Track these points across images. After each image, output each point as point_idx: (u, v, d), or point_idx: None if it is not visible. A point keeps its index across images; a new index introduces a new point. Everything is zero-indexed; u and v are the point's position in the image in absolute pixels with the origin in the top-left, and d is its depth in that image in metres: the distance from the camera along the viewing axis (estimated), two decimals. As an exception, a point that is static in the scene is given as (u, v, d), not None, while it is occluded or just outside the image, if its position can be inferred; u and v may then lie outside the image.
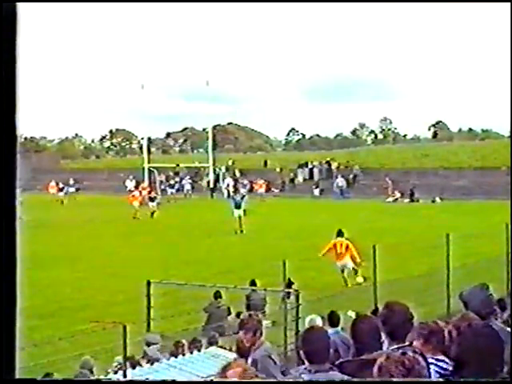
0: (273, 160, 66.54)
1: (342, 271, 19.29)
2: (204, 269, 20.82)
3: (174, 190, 57.75)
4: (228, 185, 58.80)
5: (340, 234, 19.83)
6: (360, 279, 18.83)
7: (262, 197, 52.00)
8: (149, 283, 12.00)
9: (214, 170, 63.32)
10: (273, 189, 57.26)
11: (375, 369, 3.55)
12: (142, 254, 24.70)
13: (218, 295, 14.02)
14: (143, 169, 63.36)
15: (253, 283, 14.99)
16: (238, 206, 32.09)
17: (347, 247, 19.37)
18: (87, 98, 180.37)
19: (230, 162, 66.90)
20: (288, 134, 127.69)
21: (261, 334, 6.60)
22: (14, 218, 2.35)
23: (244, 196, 34.96)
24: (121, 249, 26.62)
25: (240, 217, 31.68)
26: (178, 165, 65.47)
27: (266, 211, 42.19)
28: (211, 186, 60.57)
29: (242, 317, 7.38)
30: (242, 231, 30.98)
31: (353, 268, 19.30)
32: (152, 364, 8.67)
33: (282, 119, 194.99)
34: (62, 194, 52.26)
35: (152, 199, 41.96)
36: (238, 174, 62.82)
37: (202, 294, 14.14)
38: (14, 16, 2.28)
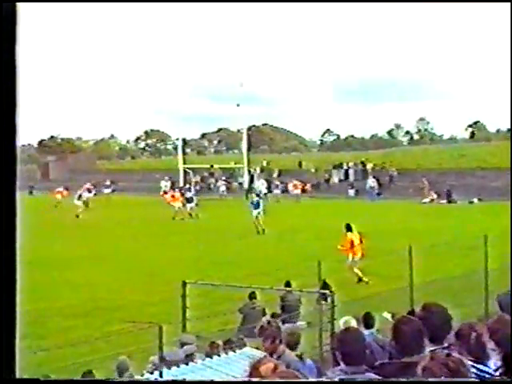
0: (308, 161, 66.40)
1: (352, 264, 19.50)
2: (239, 270, 20.85)
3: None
4: (260, 185, 58.87)
5: (349, 228, 20.05)
6: (359, 272, 19.43)
7: (297, 197, 51.94)
8: (184, 284, 12.02)
9: (249, 171, 63.41)
10: (307, 186, 57.08)
11: (419, 370, 3.54)
12: (178, 255, 24.84)
13: (252, 296, 14.00)
14: (178, 170, 63.81)
15: (288, 284, 14.97)
16: (256, 206, 32.32)
17: (361, 241, 19.88)
18: (123, 99, 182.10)
19: (264, 163, 66.93)
20: (323, 135, 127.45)
21: (280, 341, 6.40)
22: (14, 219, 2.33)
23: (259, 195, 34.92)
24: (156, 249, 26.79)
25: (257, 217, 31.86)
26: (212, 166, 65.74)
27: (301, 212, 42.16)
28: (246, 186, 60.66)
29: (260, 323, 7.26)
30: (263, 231, 31.04)
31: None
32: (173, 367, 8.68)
33: (317, 120, 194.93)
34: (88, 195, 50.41)
35: (189, 200, 41.99)
36: (275, 174, 62.82)
37: (237, 295, 14.16)
38: (14, 16, 2.29)
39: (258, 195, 34.31)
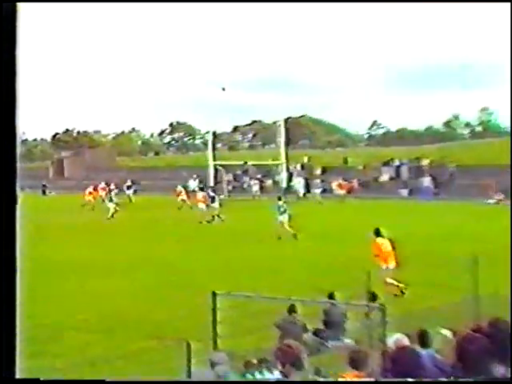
0: (354, 157, 66.22)
1: (385, 274, 19.14)
2: (275, 278, 20.84)
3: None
4: (297, 184, 58.71)
5: (378, 233, 19.74)
6: (394, 281, 18.94)
7: (342, 198, 51.79)
8: (215, 295, 12.04)
9: (288, 168, 63.32)
10: (353, 183, 56.84)
11: None
12: (205, 262, 24.91)
13: (292, 309, 13.97)
14: (208, 167, 63.93)
15: (331, 296, 14.91)
16: (284, 210, 32.42)
17: (393, 248, 19.49)
18: (146, 89, 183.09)
19: (305, 159, 66.81)
20: (371, 128, 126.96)
21: (292, 364, 6.17)
22: (14, 220, 2.56)
23: (280, 198, 34.52)
24: (183, 256, 26.91)
25: (282, 223, 32.07)
26: (246, 162, 65.75)
27: (345, 214, 41.97)
28: (284, 185, 60.59)
29: (277, 346, 7.12)
30: (280, 238, 31.09)
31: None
32: None
33: (365, 110, 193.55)
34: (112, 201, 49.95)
35: (212, 199, 42.19)
36: (318, 171, 62.67)
37: (274, 308, 14.13)
38: (14, 16, 2.51)
39: (279, 198, 34.11)
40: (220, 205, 42.03)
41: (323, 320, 14.84)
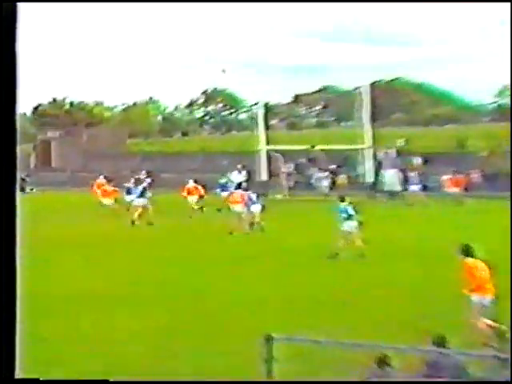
0: (475, 137, 65.68)
1: (481, 309, 18.78)
2: (354, 315, 20.76)
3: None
4: (389, 178, 58.45)
5: (468, 252, 19.24)
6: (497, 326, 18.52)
7: (457, 198, 51.37)
8: (269, 339, 12.01)
9: (375, 155, 63.06)
10: (473, 176, 56.38)
11: None
12: (251, 291, 24.95)
13: (384, 361, 13.86)
14: (259, 153, 63.89)
15: (441, 342, 14.79)
16: (348, 216, 32.34)
17: (489, 273, 19.01)
18: (168, 42, 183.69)
19: (401, 142, 66.53)
20: (500, 95, 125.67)
21: None
22: (14, 221, 3.46)
23: (343, 200, 34.41)
24: (217, 282, 26.97)
25: (350, 233, 32.44)
26: (313, 146, 65.58)
27: (457, 221, 41.63)
28: (369, 180, 60.36)
29: None
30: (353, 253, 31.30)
31: None
32: None
33: (489, 70, 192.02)
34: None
35: (252, 202, 42.09)
36: (418, 160, 62.22)
37: (354, 358, 14.05)
38: (14, 16, 3.25)
39: (342, 200, 33.98)
40: (263, 207, 42.07)
41: (427, 376, 14.72)
